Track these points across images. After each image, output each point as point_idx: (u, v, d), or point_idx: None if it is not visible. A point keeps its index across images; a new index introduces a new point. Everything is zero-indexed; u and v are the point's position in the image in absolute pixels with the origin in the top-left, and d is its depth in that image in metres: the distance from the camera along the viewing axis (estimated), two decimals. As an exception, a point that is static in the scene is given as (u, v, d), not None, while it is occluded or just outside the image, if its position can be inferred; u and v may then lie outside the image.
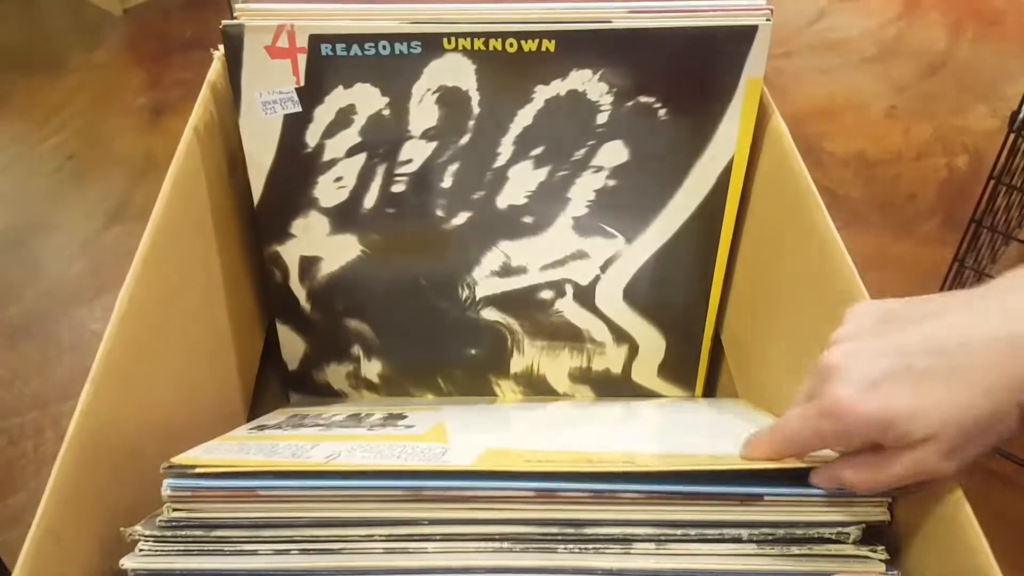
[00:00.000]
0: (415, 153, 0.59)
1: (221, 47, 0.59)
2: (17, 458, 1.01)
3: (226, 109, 0.59)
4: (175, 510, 0.38)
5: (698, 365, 0.68)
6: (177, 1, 1.56)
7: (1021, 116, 0.72)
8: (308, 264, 0.63)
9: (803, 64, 1.25)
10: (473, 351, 0.67)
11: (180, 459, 0.39)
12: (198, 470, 0.38)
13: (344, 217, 0.61)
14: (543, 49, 0.55)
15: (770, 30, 0.55)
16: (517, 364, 0.68)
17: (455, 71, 0.56)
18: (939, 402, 0.34)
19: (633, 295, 0.65)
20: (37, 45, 1.51)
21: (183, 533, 0.38)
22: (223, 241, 0.59)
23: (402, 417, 0.53)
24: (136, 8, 1.57)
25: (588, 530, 0.39)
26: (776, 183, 0.58)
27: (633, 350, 0.67)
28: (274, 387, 0.69)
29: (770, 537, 0.39)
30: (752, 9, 0.55)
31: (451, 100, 0.57)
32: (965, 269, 0.80)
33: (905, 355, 0.35)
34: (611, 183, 0.60)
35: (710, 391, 0.71)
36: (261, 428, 0.50)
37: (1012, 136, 0.72)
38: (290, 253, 0.62)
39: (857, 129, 1.13)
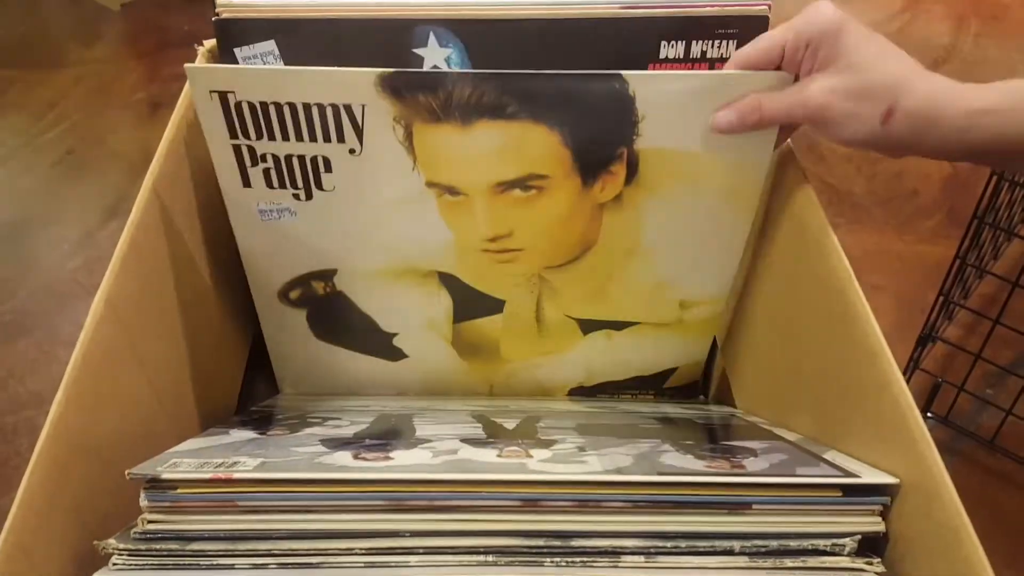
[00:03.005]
0: None
1: (206, 42, 0.58)
2: (11, 456, 1.00)
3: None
4: (150, 522, 0.37)
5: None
6: (175, -5, 1.56)
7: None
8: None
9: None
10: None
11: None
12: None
13: None
14: None
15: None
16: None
17: None
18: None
19: None
20: (35, 39, 1.50)
21: (158, 546, 0.37)
22: (209, 240, 0.58)
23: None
24: (134, 2, 1.56)
25: (575, 542, 0.38)
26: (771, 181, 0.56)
27: None
28: (264, 385, 0.68)
29: (763, 549, 0.38)
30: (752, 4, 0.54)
31: None
32: (967, 266, 0.79)
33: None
34: None
35: (704, 391, 0.70)
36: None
37: (1016, 132, 0.71)
38: None
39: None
